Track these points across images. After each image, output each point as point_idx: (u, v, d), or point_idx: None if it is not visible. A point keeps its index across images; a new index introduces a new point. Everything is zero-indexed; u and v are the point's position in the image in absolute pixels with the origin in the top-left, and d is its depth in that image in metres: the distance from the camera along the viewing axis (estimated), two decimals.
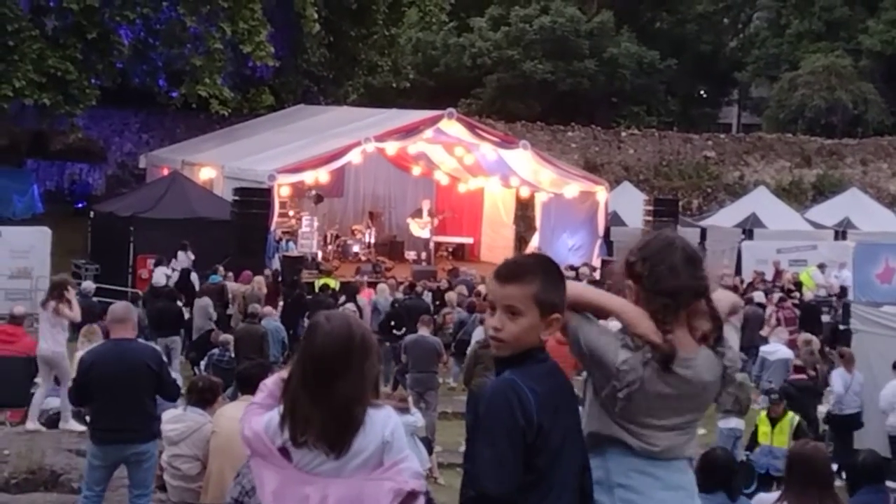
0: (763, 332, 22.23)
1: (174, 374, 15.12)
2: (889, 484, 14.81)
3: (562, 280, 3.77)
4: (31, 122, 34.91)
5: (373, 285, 25.74)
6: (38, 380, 15.37)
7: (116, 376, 9.23)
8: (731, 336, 4.03)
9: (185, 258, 25.78)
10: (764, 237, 33.98)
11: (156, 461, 9.53)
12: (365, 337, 3.76)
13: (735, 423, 15.56)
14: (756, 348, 20.69)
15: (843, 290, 28.28)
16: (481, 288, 25.67)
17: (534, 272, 3.70)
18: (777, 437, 15.00)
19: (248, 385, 8.85)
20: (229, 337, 18.80)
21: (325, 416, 3.64)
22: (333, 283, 25.16)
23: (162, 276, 24.11)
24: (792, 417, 15.09)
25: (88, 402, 9.84)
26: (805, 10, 54.00)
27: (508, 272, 3.73)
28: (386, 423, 3.72)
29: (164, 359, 11.04)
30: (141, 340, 9.96)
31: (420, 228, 34.14)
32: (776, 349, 19.29)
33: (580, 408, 3.88)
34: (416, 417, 13.29)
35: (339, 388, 3.64)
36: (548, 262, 3.80)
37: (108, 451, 9.38)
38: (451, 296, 24.20)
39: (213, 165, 31.45)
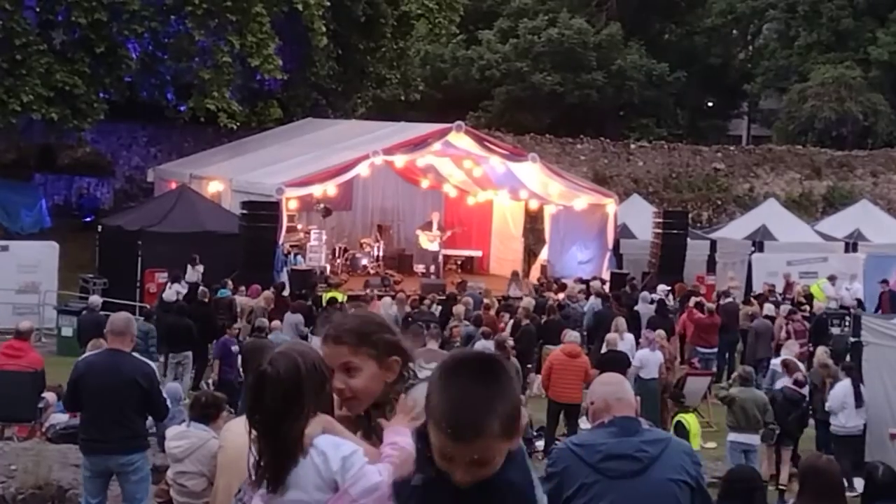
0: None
1: (181, 391, 15.13)
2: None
3: (515, 383, 3.17)
4: (39, 136, 35.01)
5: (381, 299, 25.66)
6: (45, 395, 15.35)
7: (104, 387, 9.30)
8: None
9: (194, 272, 25.71)
10: (774, 249, 33.87)
11: (147, 475, 9.60)
12: (315, 368, 3.57)
13: (745, 437, 15.46)
14: (767, 361, 20.57)
15: (860, 302, 28.10)
16: (488, 301, 25.64)
17: (491, 417, 3.04)
18: None
19: None
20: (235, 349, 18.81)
21: (271, 455, 3.52)
22: (341, 297, 25.07)
23: (174, 292, 23.96)
24: (675, 421, 14.77)
25: (79, 408, 9.92)
26: (814, 21, 53.94)
27: (468, 431, 3.03)
28: (326, 456, 3.49)
29: (163, 376, 10.95)
30: (136, 355, 9.84)
31: (429, 241, 34.02)
32: None
33: None
34: None
35: (289, 427, 3.49)
36: (502, 393, 3.09)
37: (94, 460, 9.51)
38: (458, 309, 24.04)
39: (221, 179, 31.44)
